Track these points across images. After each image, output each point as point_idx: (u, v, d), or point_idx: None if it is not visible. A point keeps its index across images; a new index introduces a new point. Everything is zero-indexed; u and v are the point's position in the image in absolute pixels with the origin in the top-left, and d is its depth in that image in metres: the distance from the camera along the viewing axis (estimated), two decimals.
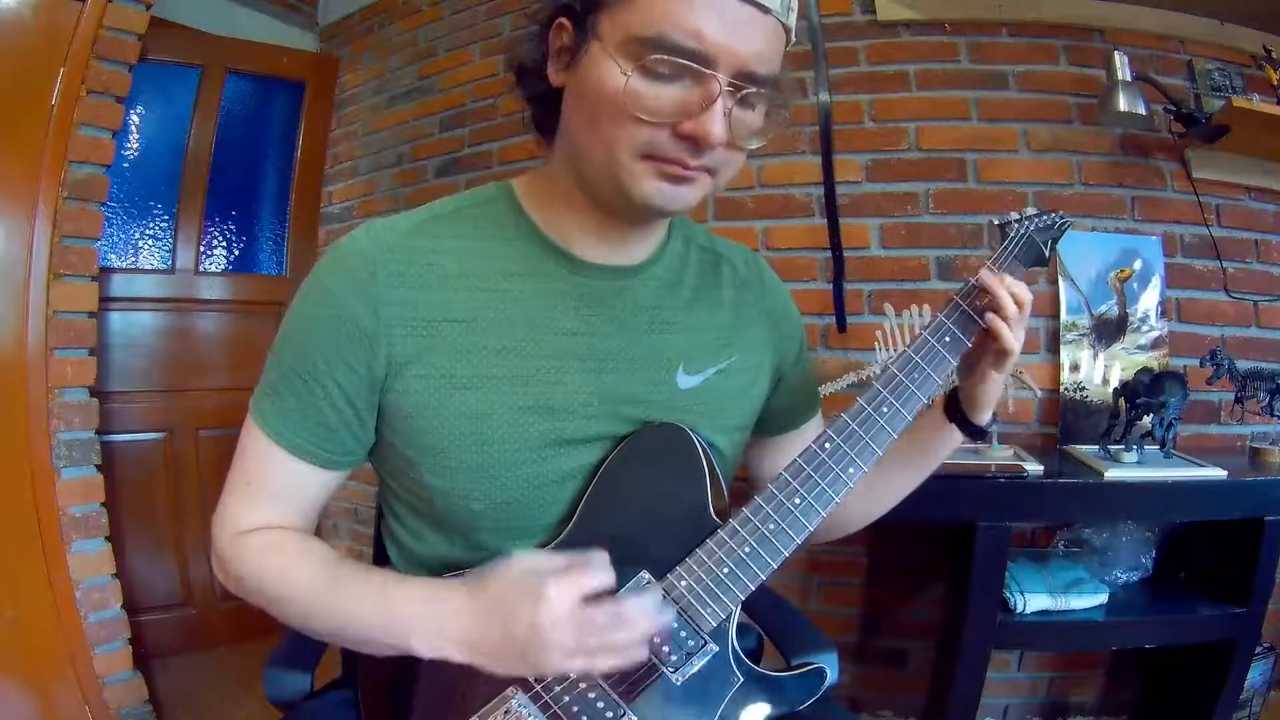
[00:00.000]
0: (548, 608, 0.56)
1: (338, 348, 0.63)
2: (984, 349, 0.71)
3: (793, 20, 0.61)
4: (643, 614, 0.59)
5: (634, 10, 0.56)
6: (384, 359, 0.63)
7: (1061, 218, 0.81)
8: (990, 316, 0.68)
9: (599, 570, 0.59)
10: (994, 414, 0.77)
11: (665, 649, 0.63)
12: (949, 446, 0.79)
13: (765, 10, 0.57)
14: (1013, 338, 0.69)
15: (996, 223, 0.78)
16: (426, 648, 0.60)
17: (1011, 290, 0.69)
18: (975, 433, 0.77)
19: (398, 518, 0.73)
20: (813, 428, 0.88)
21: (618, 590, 0.63)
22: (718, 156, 0.60)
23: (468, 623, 0.59)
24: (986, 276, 0.69)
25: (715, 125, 0.57)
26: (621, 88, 0.57)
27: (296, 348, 0.65)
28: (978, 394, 0.74)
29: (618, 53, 0.57)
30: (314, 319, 0.65)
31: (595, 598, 0.58)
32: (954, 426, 0.77)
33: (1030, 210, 0.80)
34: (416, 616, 0.60)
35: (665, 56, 0.55)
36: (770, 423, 0.85)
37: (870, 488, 0.78)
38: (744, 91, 0.58)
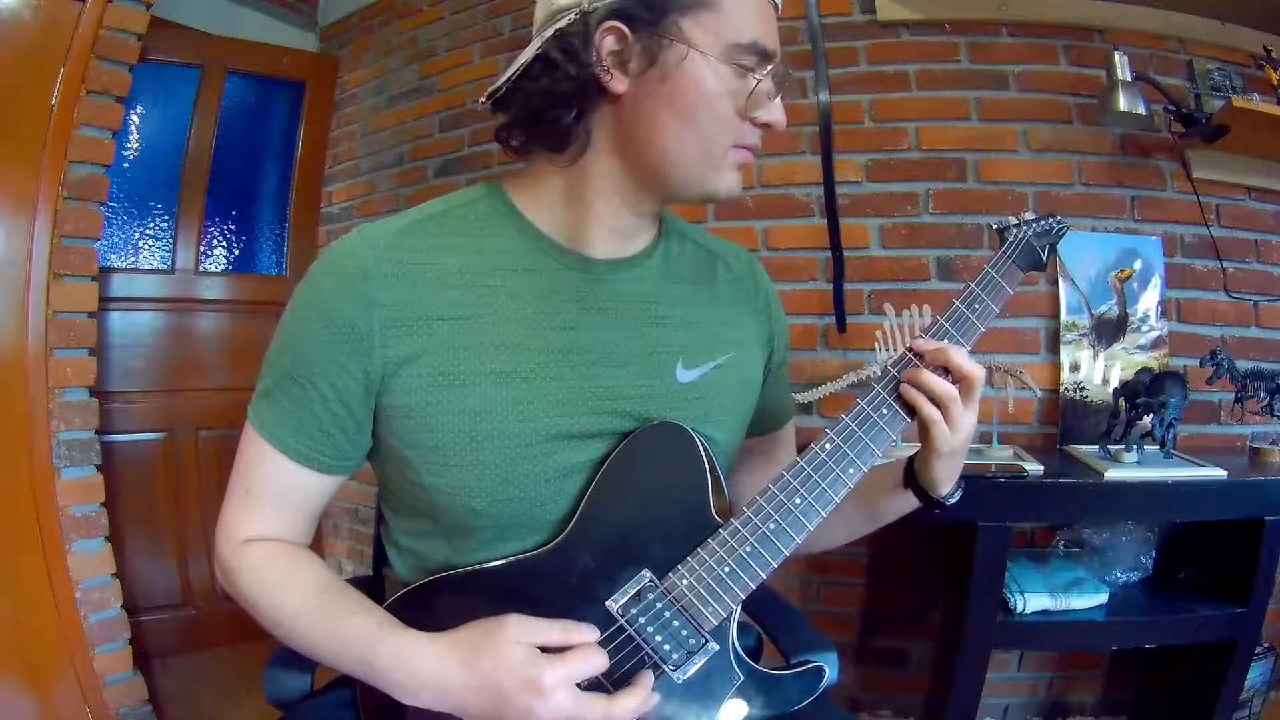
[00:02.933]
0: (544, 700, 0.56)
1: (332, 351, 0.63)
2: (920, 429, 0.68)
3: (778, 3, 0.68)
4: (632, 713, 0.59)
5: (726, 17, 0.62)
6: (380, 361, 0.63)
7: (1059, 222, 0.81)
8: (917, 399, 0.65)
9: (594, 654, 0.60)
10: (959, 488, 0.72)
11: (666, 647, 0.63)
12: (902, 509, 0.77)
13: (776, 7, 0.67)
14: (942, 429, 0.65)
15: (995, 227, 0.79)
16: (409, 700, 0.61)
17: (957, 366, 0.64)
18: (931, 504, 0.73)
19: (397, 519, 0.73)
20: (785, 433, 0.90)
21: (617, 589, 0.64)
22: None
23: (454, 698, 0.59)
24: (920, 344, 0.66)
25: (782, 112, 0.66)
26: (727, 88, 0.63)
27: (292, 352, 0.65)
28: (926, 472, 0.71)
29: (719, 56, 0.62)
30: (308, 323, 0.65)
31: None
32: (910, 493, 0.75)
33: (1028, 215, 0.80)
34: (398, 679, 0.60)
35: (756, 59, 0.63)
36: (752, 422, 0.84)
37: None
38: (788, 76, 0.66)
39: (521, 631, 0.59)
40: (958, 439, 0.66)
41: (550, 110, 0.65)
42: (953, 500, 0.73)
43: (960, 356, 0.65)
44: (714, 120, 0.64)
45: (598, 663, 0.60)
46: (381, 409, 0.65)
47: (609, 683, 0.62)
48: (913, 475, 0.74)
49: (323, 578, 0.67)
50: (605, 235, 0.70)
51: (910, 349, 0.67)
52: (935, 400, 0.65)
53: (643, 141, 0.65)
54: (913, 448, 0.73)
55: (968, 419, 0.66)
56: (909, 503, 0.76)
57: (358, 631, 0.62)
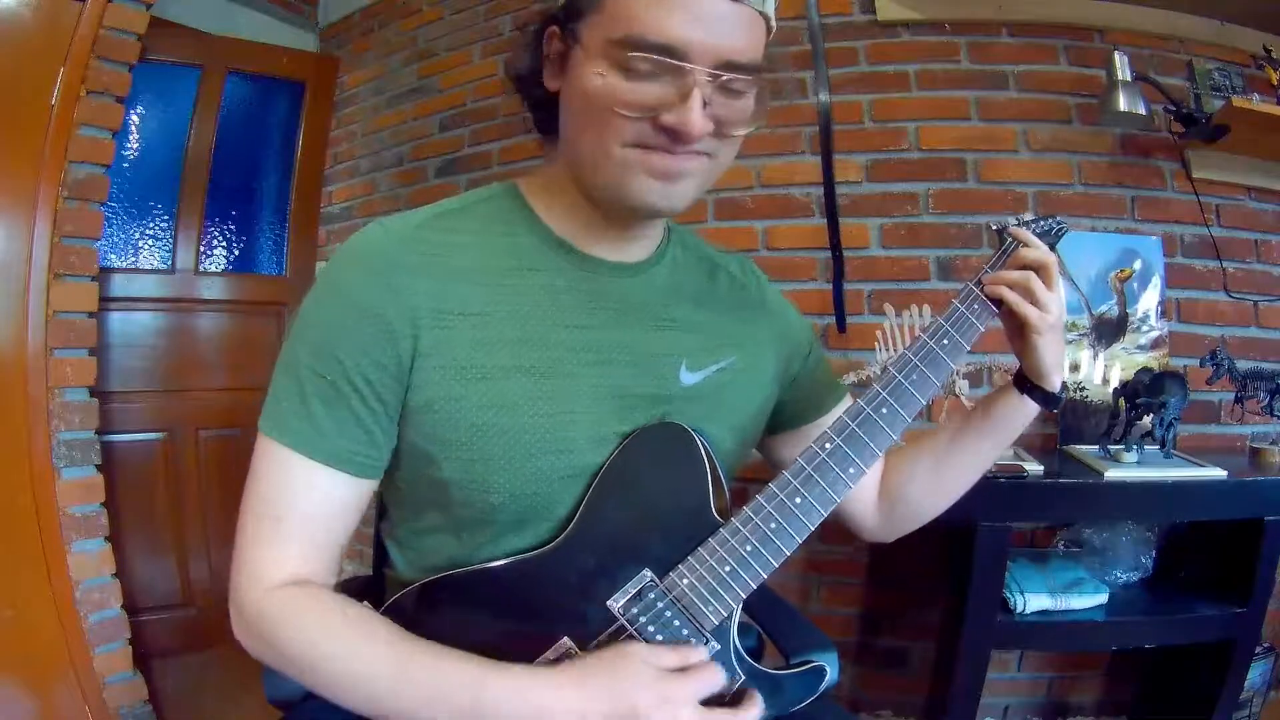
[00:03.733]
0: (678, 714, 0.58)
1: (362, 342, 0.62)
2: (1012, 321, 0.72)
3: (769, 8, 0.62)
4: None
5: (607, 14, 0.59)
6: (410, 349, 0.62)
7: (1059, 222, 0.81)
8: (1001, 292, 0.70)
9: (713, 671, 0.62)
10: (1064, 383, 0.77)
11: None
12: (1024, 418, 0.78)
13: (736, 0, 0.58)
14: (1029, 307, 0.69)
15: (994, 227, 0.79)
16: None
17: (1022, 258, 0.71)
18: (1047, 400, 0.75)
19: (403, 514, 0.72)
20: (842, 409, 0.89)
21: (618, 589, 0.64)
22: (709, 142, 0.62)
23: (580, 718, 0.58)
24: (1015, 230, 0.73)
25: (693, 116, 0.58)
26: (604, 89, 0.59)
27: (317, 352, 0.63)
28: (1032, 362, 0.74)
29: (598, 55, 0.59)
30: (333, 318, 0.63)
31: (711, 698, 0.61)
32: (1025, 397, 0.76)
33: (1028, 215, 0.81)
34: (517, 714, 0.57)
35: (640, 54, 0.57)
36: (794, 415, 0.86)
37: (948, 470, 0.81)
38: (722, 79, 0.59)
39: (649, 654, 0.61)
40: (1052, 315, 0.70)
41: (526, 98, 0.71)
42: (1064, 396, 0.76)
43: (1032, 249, 0.71)
44: (597, 122, 0.61)
45: (719, 679, 0.62)
46: (405, 402, 0.64)
47: None
48: (1024, 380, 0.76)
49: (386, 629, 0.61)
50: (606, 237, 0.70)
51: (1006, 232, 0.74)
52: (1015, 286, 0.70)
53: (565, 142, 0.67)
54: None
55: (1055, 297, 0.70)
56: (1027, 410, 0.77)
57: (456, 673, 0.58)
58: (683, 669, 0.61)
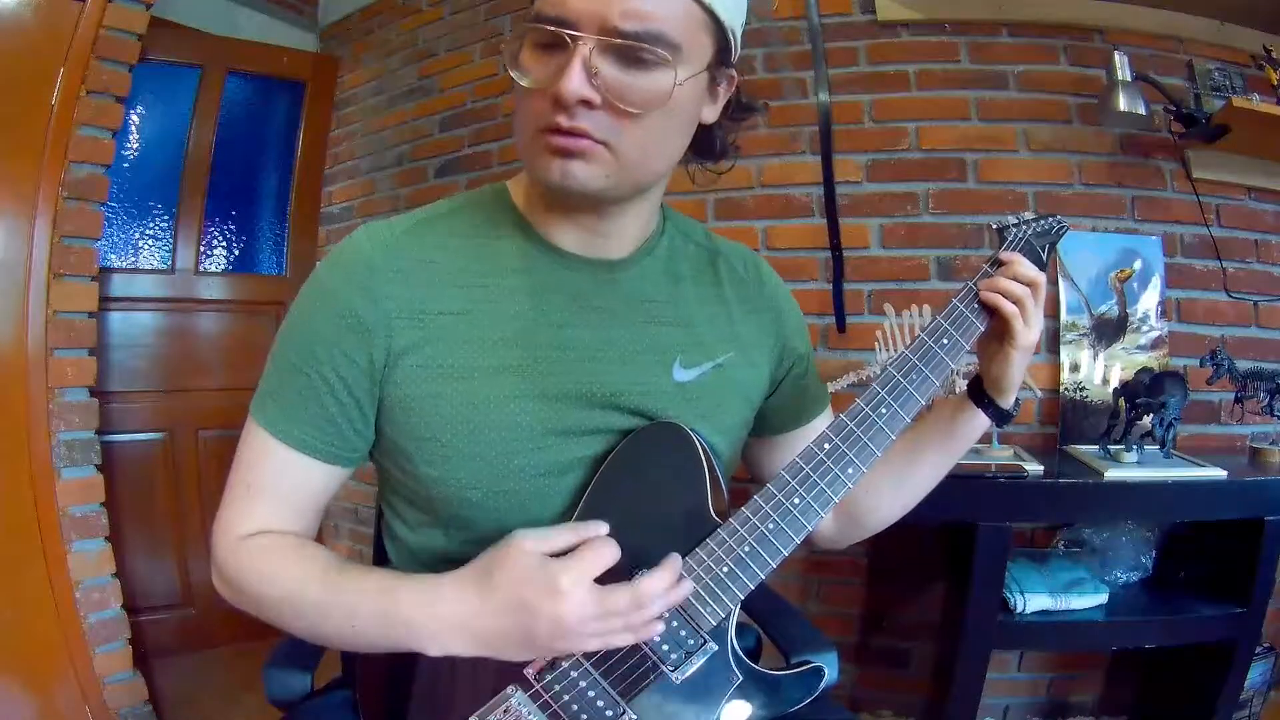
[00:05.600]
0: (567, 601, 0.56)
1: (339, 341, 0.64)
2: (996, 331, 0.72)
3: None
4: (660, 594, 0.59)
5: None
6: (383, 350, 0.64)
7: (1059, 221, 0.81)
8: (997, 301, 0.70)
9: (605, 546, 0.60)
10: (1017, 401, 0.77)
11: (665, 648, 0.63)
12: (977, 431, 0.78)
13: None
14: (1021, 323, 0.69)
15: (994, 227, 0.79)
16: (435, 648, 0.60)
17: (1018, 273, 0.70)
18: (999, 416, 0.76)
19: (396, 514, 0.73)
20: (822, 422, 0.87)
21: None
22: (600, 122, 0.59)
23: (481, 624, 0.58)
24: (1003, 255, 0.73)
25: (570, 80, 0.56)
26: (517, 70, 0.60)
27: (297, 345, 0.66)
28: (997, 376, 0.74)
29: (520, 39, 0.61)
30: (314, 316, 0.66)
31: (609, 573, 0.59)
32: (979, 410, 0.76)
33: (1028, 214, 0.81)
34: (422, 620, 0.59)
35: (532, 24, 0.59)
36: (776, 421, 0.84)
37: (901, 478, 0.80)
38: (611, 44, 0.57)
39: (531, 541, 0.60)
40: (1033, 334, 0.71)
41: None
42: (1015, 412, 0.77)
43: (1025, 266, 0.71)
44: (520, 106, 0.63)
45: (609, 554, 0.60)
46: (382, 400, 0.66)
47: (609, 682, 0.62)
48: (980, 394, 0.76)
49: (328, 555, 0.66)
50: (580, 232, 0.70)
51: (983, 275, 0.73)
52: (1012, 298, 0.70)
53: None
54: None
55: (1038, 316, 0.71)
56: (979, 423, 0.77)
57: (374, 586, 0.62)
58: (573, 550, 0.59)
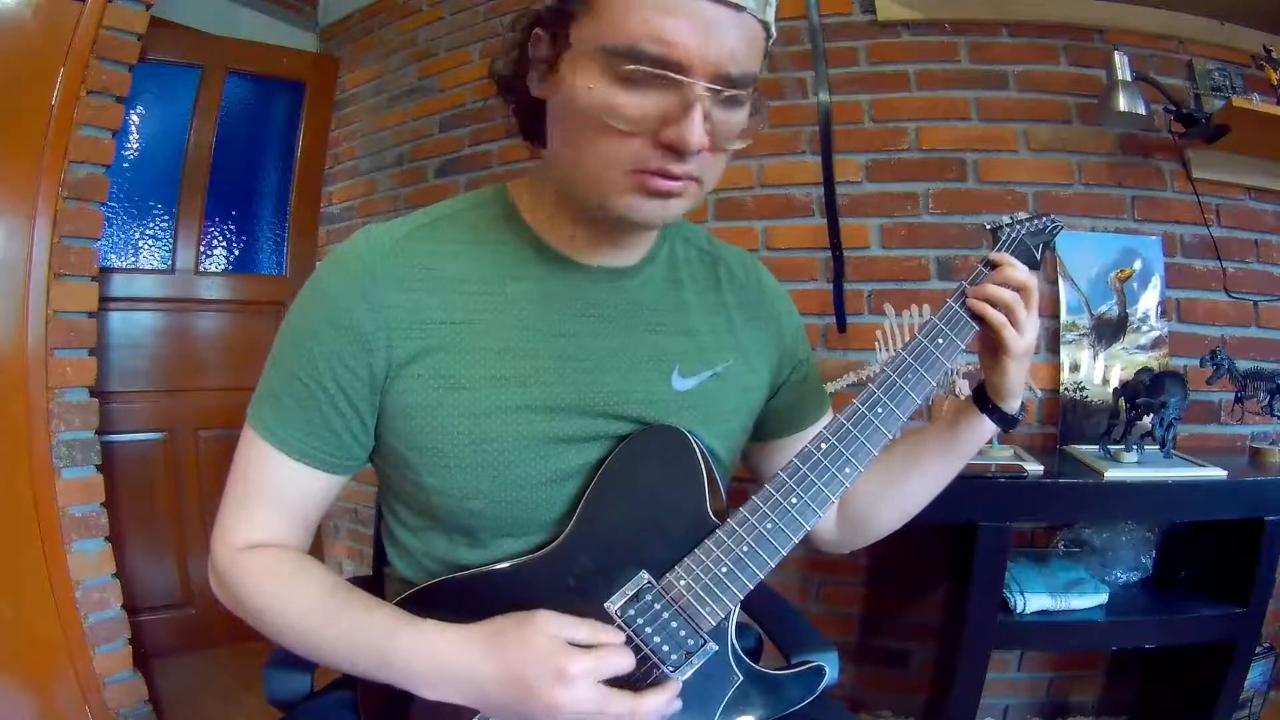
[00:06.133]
0: (570, 690, 0.56)
1: (338, 350, 0.64)
2: (988, 340, 0.71)
3: (770, 15, 0.59)
4: (656, 713, 0.60)
5: (604, 20, 0.56)
6: (384, 360, 0.64)
7: (1053, 221, 0.81)
8: (983, 308, 0.69)
9: (622, 654, 0.60)
10: (1021, 404, 0.76)
11: (665, 648, 0.63)
12: (981, 436, 0.78)
13: (739, 9, 0.55)
14: (1010, 331, 0.68)
15: (988, 227, 0.79)
16: (430, 693, 0.60)
17: (1007, 277, 0.69)
18: (1004, 421, 0.75)
19: (397, 517, 0.73)
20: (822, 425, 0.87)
21: (615, 590, 0.64)
22: (703, 162, 0.60)
23: (480, 685, 0.59)
24: (995, 255, 0.72)
25: (694, 132, 0.55)
26: (598, 101, 0.56)
27: (297, 352, 0.65)
28: (998, 383, 0.74)
29: (589, 64, 0.57)
30: (313, 323, 0.65)
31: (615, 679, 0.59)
32: (984, 416, 0.76)
33: (1022, 215, 0.81)
34: (420, 667, 0.60)
35: (638, 67, 0.55)
36: (776, 425, 0.84)
37: (903, 484, 0.79)
38: (725, 95, 0.56)
39: (551, 624, 0.59)
40: (1026, 340, 0.69)
41: (510, 103, 0.70)
42: (1020, 417, 0.76)
43: (1015, 270, 0.70)
44: (594, 137, 0.58)
45: (624, 662, 0.60)
46: (384, 409, 0.66)
47: (608, 683, 0.62)
48: (984, 400, 0.75)
49: (330, 579, 0.66)
50: (595, 243, 0.69)
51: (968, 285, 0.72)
52: (999, 305, 0.69)
53: (555, 150, 0.65)
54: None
55: (1031, 321, 0.70)
56: (984, 429, 0.76)
57: (376, 624, 0.61)
58: (590, 646, 0.59)
